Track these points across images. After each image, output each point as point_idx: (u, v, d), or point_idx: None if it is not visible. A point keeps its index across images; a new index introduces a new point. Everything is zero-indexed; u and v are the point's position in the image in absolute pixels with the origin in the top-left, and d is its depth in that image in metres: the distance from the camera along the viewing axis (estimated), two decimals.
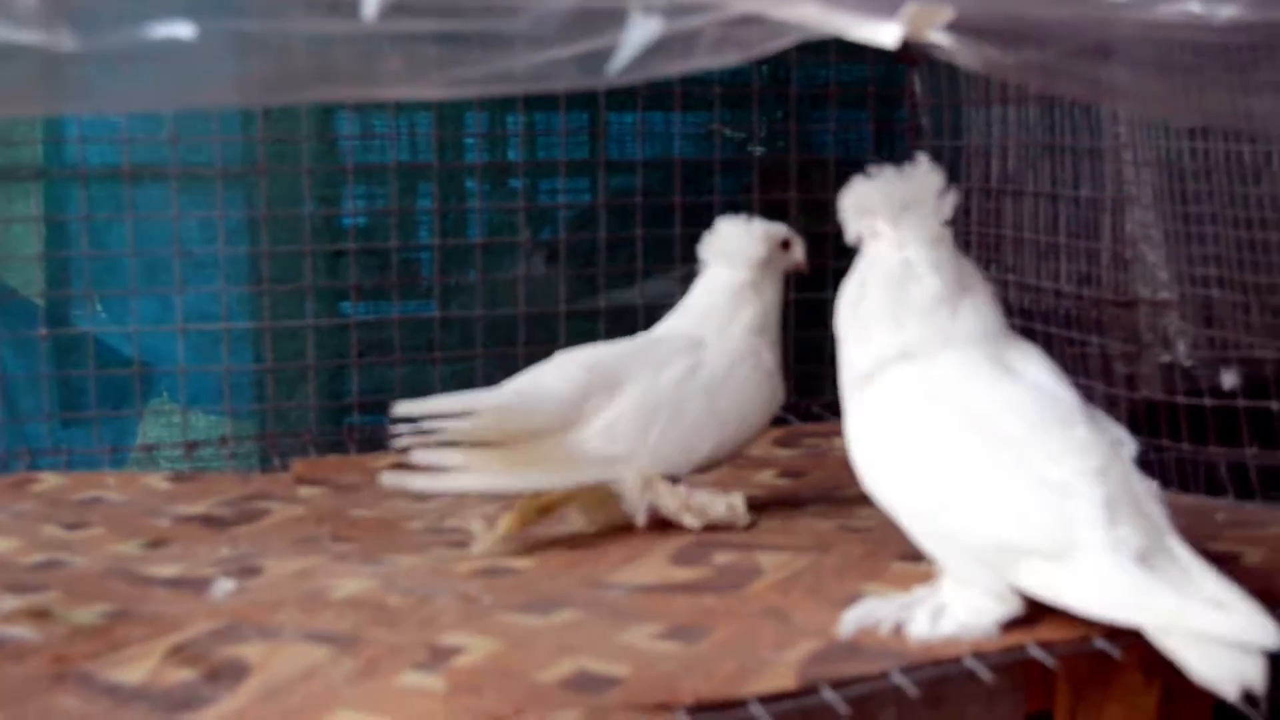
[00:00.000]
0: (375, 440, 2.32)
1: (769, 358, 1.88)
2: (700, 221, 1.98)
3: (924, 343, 1.47)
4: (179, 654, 1.35)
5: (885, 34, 1.28)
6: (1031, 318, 2.30)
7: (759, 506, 1.81)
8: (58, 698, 1.27)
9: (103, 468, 2.26)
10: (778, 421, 2.05)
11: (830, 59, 2.63)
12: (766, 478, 1.89)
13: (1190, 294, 2.20)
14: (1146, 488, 1.36)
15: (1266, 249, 2.05)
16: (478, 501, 1.81)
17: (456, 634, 1.38)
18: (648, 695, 1.23)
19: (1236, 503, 1.91)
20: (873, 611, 1.39)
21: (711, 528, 1.73)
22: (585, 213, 2.60)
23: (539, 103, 2.55)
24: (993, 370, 1.45)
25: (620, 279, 2.58)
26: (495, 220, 2.57)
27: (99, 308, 2.40)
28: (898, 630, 1.36)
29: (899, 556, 1.56)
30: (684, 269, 2.48)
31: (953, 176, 1.51)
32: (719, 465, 1.85)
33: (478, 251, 2.50)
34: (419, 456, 1.70)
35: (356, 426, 2.44)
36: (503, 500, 1.75)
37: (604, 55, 1.21)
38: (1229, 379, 2.09)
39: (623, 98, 2.55)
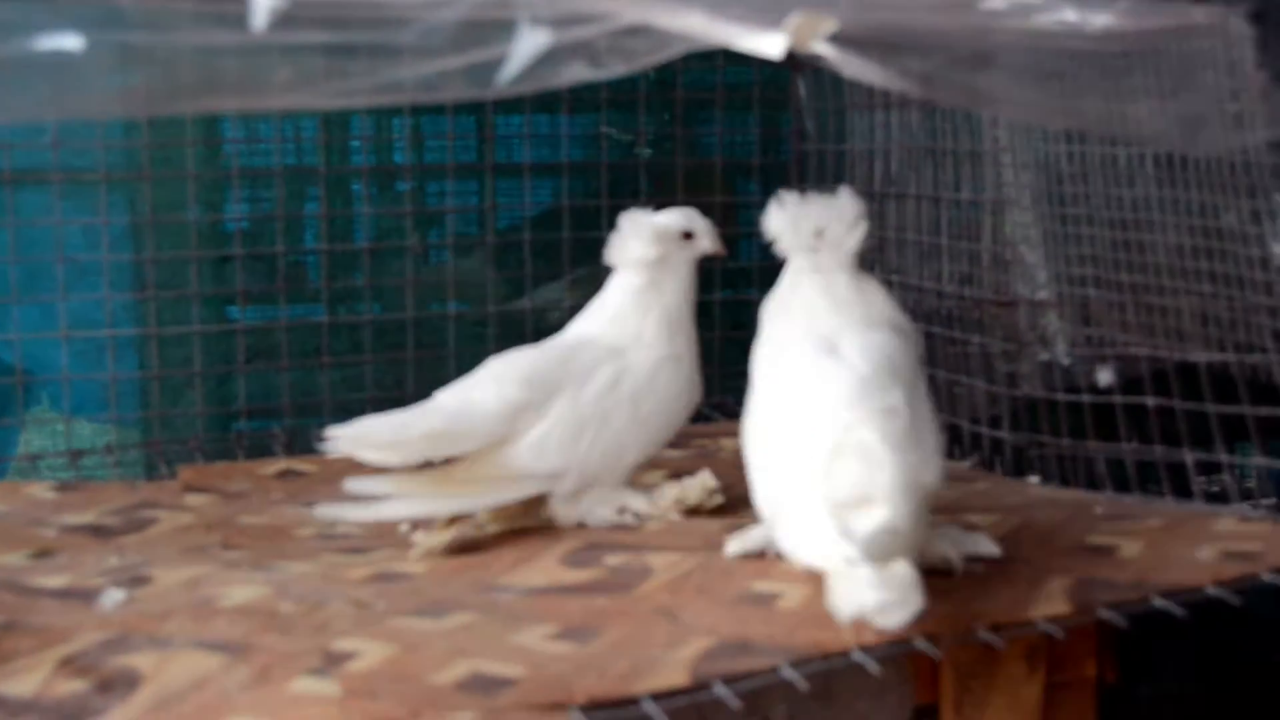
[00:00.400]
0: (263, 446, 2.31)
1: (687, 357, 1.88)
2: (591, 225, 1.98)
3: None
4: (70, 665, 1.34)
5: (770, 45, 1.31)
6: (915, 318, 2.32)
7: None
8: None
9: None
10: None
11: (717, 64, 2.63)
12: (656, 479, 1.90)
13: (1068, 293, 2.24)
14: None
15: (1141, 249, 2.09)
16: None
17: (350, 639, 1.38)
18: (542, 695, 1.24)
19: (1114, 496, 1.94)
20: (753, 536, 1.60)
21: (616, 528, 1.77)
22: (475, 216, 2.60)
23: (426, 106, 2.53)
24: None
25: (509, 284, 2.58)
26: (383, 224, 2.56)
27: None
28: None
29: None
30: (573, 273, 2.50)
31: (836, 179, 1.55)
32: (640, 467, 1.87)
33: (365, 255, 2.49)
34: (350, 486, 1.70)
35: (244, 432, 2.41)
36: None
37: (493, 66, 1.22)
38: (1105, 376, 2.13)
39: (510, 101, 2.53)
